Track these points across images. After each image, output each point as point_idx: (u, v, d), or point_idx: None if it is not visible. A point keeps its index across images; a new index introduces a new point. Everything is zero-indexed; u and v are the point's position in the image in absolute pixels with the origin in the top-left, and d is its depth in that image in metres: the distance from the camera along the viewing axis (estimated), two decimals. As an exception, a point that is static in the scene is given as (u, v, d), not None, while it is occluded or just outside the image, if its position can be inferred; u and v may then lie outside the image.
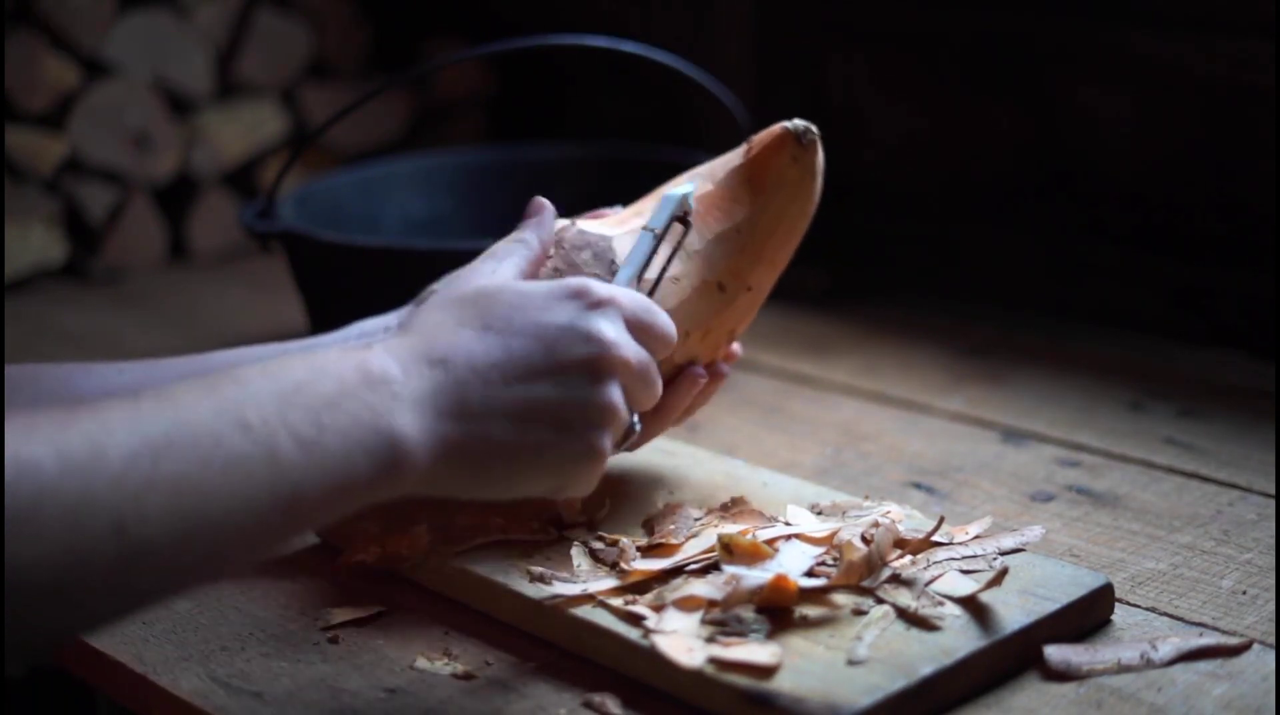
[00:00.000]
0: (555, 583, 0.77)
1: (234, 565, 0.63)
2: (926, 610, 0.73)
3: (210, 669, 0.76)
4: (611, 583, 0.77)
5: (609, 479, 0.91)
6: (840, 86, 1.43)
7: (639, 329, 0.75)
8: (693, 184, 0.86)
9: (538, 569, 0.79)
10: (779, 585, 0.73)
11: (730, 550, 0.77)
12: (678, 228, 0.84)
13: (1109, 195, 1.28)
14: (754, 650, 0.70)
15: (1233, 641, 0.75)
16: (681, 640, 0.71)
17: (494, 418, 0.69)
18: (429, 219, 1.31)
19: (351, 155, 1.66)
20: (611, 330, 0.72)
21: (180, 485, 0.59)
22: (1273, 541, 0.87)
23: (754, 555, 0.76)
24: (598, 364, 0.71)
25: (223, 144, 1.57)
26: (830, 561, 0.77)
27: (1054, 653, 0.73)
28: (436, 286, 0.81)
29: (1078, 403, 1.10)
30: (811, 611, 0.74)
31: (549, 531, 0.83)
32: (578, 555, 0.80)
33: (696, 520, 0.83)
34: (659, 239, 0.82)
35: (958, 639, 0.72)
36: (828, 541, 0.79)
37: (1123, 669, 0.73)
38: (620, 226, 0.85)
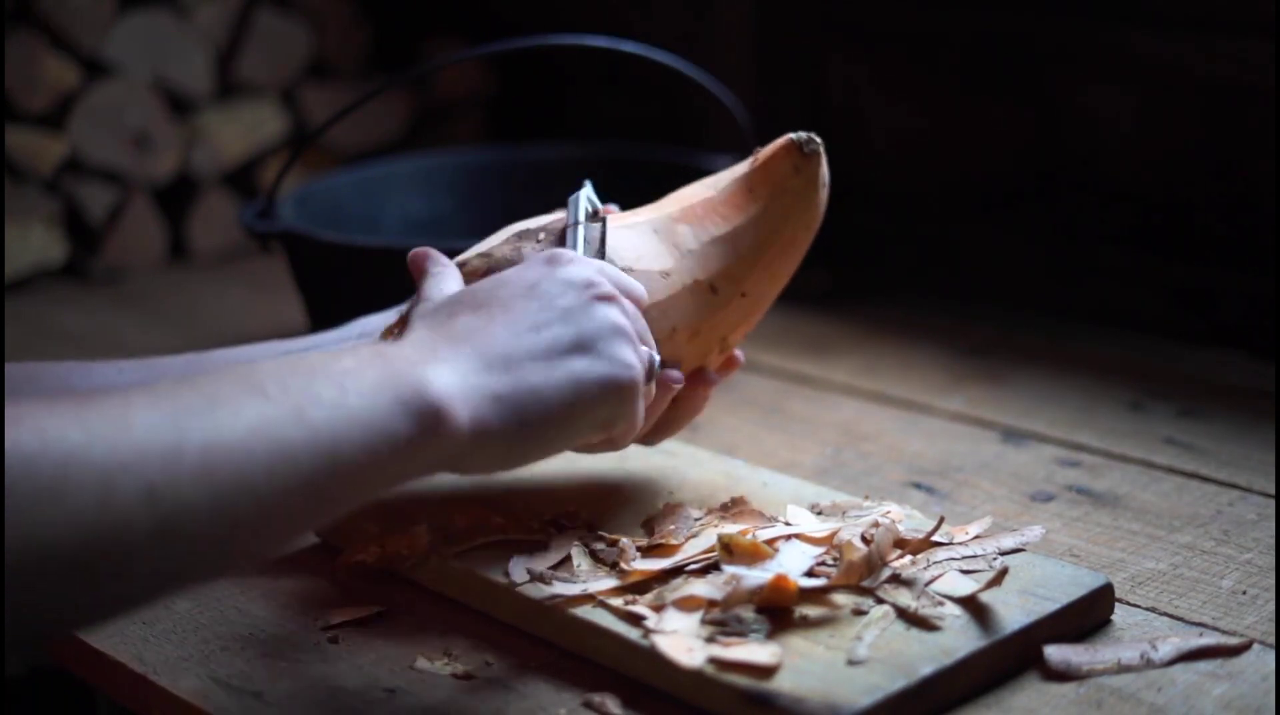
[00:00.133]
0: (555, 583, 0.77)
1: (284, 534, 0.62)
2: (926, 610, 0.73)
3: (210, 669, 0.76)
4: (611, 583, 0.77)
5: (609, 479, 0.91)
6: (840, 86, 1.43)
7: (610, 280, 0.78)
8: (588, 182, 0.86)
9: (538, 569, 0.79)
10: (779, 585, 0.73)
11: (730, 550, 0.77)
12: (596, 225, 0.84)
13: (1109, 195, 1.28)
14: (754, 650, 0.70)
15: (1233, 641, 0.75)
16: (681, 640, 0.71)
17: (522, 364, 0.70)
18: (429, 219, 1.31)
19: (351, 155, 1.66)
20: (590, 272, 0.75)
21: (209, 451, 0.57)
22: (1273, 541, 0.87)
23: (754, 555, 0.76)
24: (592, 296, 0.74)
25: (223, 144, 1.57)
26: (830, 561, 0.77)
27: (1054, 653, 0.73)
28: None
29: (1078, 403, 1.10)
30: (811, 611, 0.74)
31: (549, 531, 0.83)
32: (578, 555, 0.80)
33: (696, 520, 0.83)
34: (575, 235, 0.82)
35: (958, 639, 0.72)
36: (828, 541, 0.79)
37: (1123, 669, 0.73)
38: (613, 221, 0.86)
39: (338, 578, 0.84)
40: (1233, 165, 1.21)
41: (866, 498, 0.87)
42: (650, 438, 0.86)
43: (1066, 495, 0.95)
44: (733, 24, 1.49)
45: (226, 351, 0.86)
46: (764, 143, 0.87)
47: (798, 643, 0.71)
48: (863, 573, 0.76)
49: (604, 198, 0.91)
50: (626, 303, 0.76)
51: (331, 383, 0.62)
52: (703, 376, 0.87)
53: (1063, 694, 0.72)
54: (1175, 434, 1.04)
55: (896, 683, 0.68)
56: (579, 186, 0.86)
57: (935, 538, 0.80)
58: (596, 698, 0.72)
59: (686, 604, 0.74)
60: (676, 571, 0.77)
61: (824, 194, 0.87)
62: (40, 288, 1.48)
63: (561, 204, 0.85)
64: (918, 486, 0.96)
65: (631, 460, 0.93)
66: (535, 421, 0.69)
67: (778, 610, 0.73)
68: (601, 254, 0.82)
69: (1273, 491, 0.94)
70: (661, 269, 0.83)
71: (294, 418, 0.60)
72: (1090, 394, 1.12)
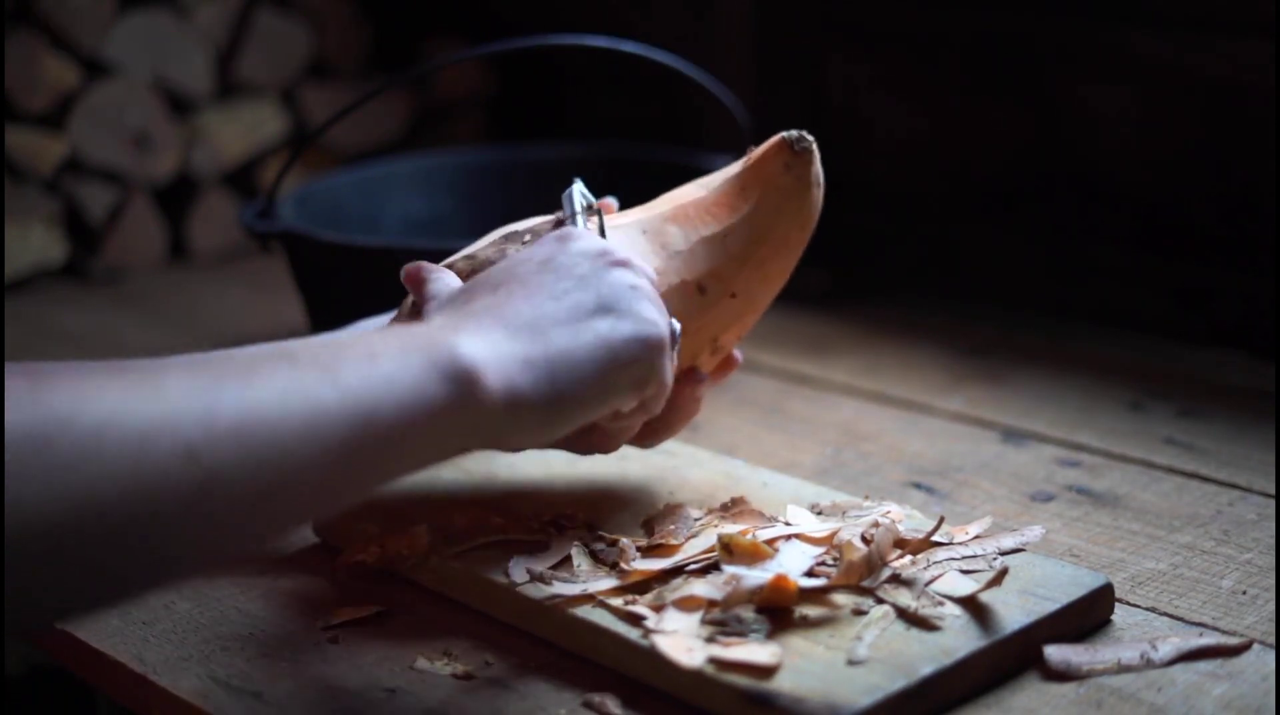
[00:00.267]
0: (555, 583, 0.77)
1: (323, 501, 0.61)
2: (926, 610, 0.73)
3: (210, 669, 0.76)
4: (611, 583, 0.77)
5: (609, 480, 0.91)
6: (840, 86, 1.43)
7: None
8: (579, 179, 0.86)
9: (538, 569, 0.79)
10: (779, 585, 0.73)
11: (730, 550, 0.77)
12: (594, 218, 0.84)
13: (1109, 195, 1.28)
14: (754, 650, 0.70)
15: (1233, 641, 0.75)
16: (681, 640, 0.71)
17: (548, 330, 0.69)
18: (429, 219, 1.31)
19: (351, 155, 1.66)
20: (601, 243, 0.76)
21: (243, 413, 0.57)
22: (1273, 541, 0.87)
23: (754, 555, 0.76)
24: (607, 262, 0.74)
25: (223, 144, 1.57)
26: (830, 561, 0.77)
27: (1054, 653, 0.73)
28: None
29: (1078, 403, 1.10)
30: (811, 611, 0.74)
31: (549, 532, 0.83)
32: (578, 555, 0.80)
33: (696, 520, 0.83)
34: (575, 226, 0.82)
35: (958, 639, 0.72)
36: (828, 541, 0.79)
37: (1123, 669, 0.73)
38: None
39: (338, 578, 0.84)
40: (1233, 165, 1.21)
41: (866, 498, 0.87)
42: (647, 440, 0.86)
43: (1066, 495, 0.95)
44: (733, 24, 1.49)
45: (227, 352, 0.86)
46: (762, 143, 0.87)
47: (798, 643, 0.71)
48: (863, 573, 0.76)
49: (604, 197, 0.91)
50: (641, 266, 0.76)
51: (362, 351, 0.63)
52: (694, 376, 0.86)
53: (1063, 694, 0.72)
54: (1175, 434, 1.04)
55: (896, 683, 0.68)
56: (570, 184, 0.86)
57: (935, 538, 0.80)
58: (596, 698, 0.72)
59: (686, 604, 0.74)
60: (676, 571, 0.77)
61: (818, 193, 0.86)
62: (40, 288, 1.48)
63: (559, 205, 0.85)
64: (918, 486, 0.96)
65: (631, 461, 0.93)
66: (568, 384, 0.69)
67: (778, 610, 0.73)
68: None
69: (1273, 491, 0.94)
70: None
71: (327, 381, 0.60)
72: (1090, 394, 1.12)
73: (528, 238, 0.83)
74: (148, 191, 1.54)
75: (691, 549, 0.79)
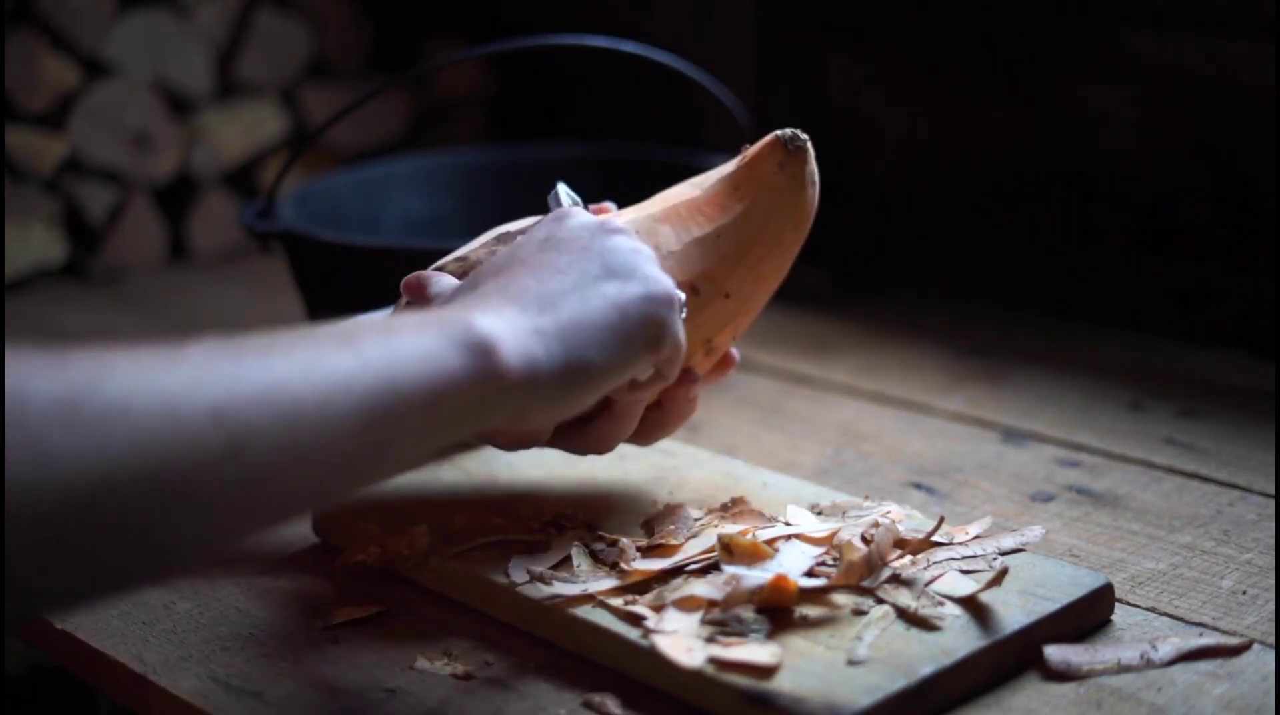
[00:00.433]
0: (555, 583, 0.77)
1: (350, 474, 0.61)
2: (926, 610, 0.73)
3: (210, 669, 0.76)
4: (611, 583, 0.77)
5: (609, 479, 0.91)
6: (840, 86, 1.43)
7: None
8: (561, 182, 0.86)
9: (538, 569, 0.79)
10: (779, 585, 0.73)
11: (730, 550, 0.77)
12: None
13: (1109, 195, 1.28)
14: (754, 650, 0.70)
15: (1233, 641, 0.75)
16: (681, 640, 0.71)
17: (557, 301, 0.70)
18: (429, 219, 1.31)
19: (351, 155, 1.66)
20: (591, 217, 0.77)
21: (267, 380, 0.57)
22: (1273, 541, 0.87)
23: (754, 555, 0.76)
24: (604, 230, 0.75)
25: (223, 144, 1.57)
26: (830, 561, 0.77)
27: (1054, 653, 0.73)
28: None
29: (1078, 403, 1.10)
30: (811, 611, 0.74)
31: (549, 532, 0.83)
32: (578, 555, 0.80)
33: (696, 520, 0.83)
34: None
35: (958, 639, 0.72)
36: (828, 541, 0.79)
37: (1123, 669, 0.73)
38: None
39: (338, 578, 0.84)
40: (1233, 165, 1.21)
41: (866, 498, 0.87)
42: (642, 439, 0.86)
43: (1066, 495, 0.95)
44: (733, 24, 1.49)
45: None
46: (757, 142, 0.87)
47: (798, 643, 0.71)
48: (863, 573, 0.76)
49: (605, 198, 0.91)
50: (640, 237, 0.77)
51: (379, 329, 0.63)
52: (688, 377, 0.85)
53: (1063, 694, 0.72)
54: (1175, 434, 1.04)
55: (896, 683, 0.68)
56: (551, 187, 0.86)
57: (935, 538, 0.80)
58: (596, 698, 0.72)
59: (686, 604, 0.74)
60: (676, 571, 0.77)
61: (813, 192, 0.85)
62: (40, 288, 1.48)
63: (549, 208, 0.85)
64: (918, 486, 0.96)
65: (631, 461, 0.93)
66: (583, 350, 0.69)
67: (778, 610, 0.73)
68: None
69: (1273, 491, 0.94)
70: None
71: (347, 353, 0.60)
72: (1090, 394, 1.12)
73: (520, 239, 0.83)
74: (148, 191, 1.54)
75: (691, 549, 0.79)
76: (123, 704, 0.79)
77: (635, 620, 0.74)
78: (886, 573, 0.76)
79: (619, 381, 0.73)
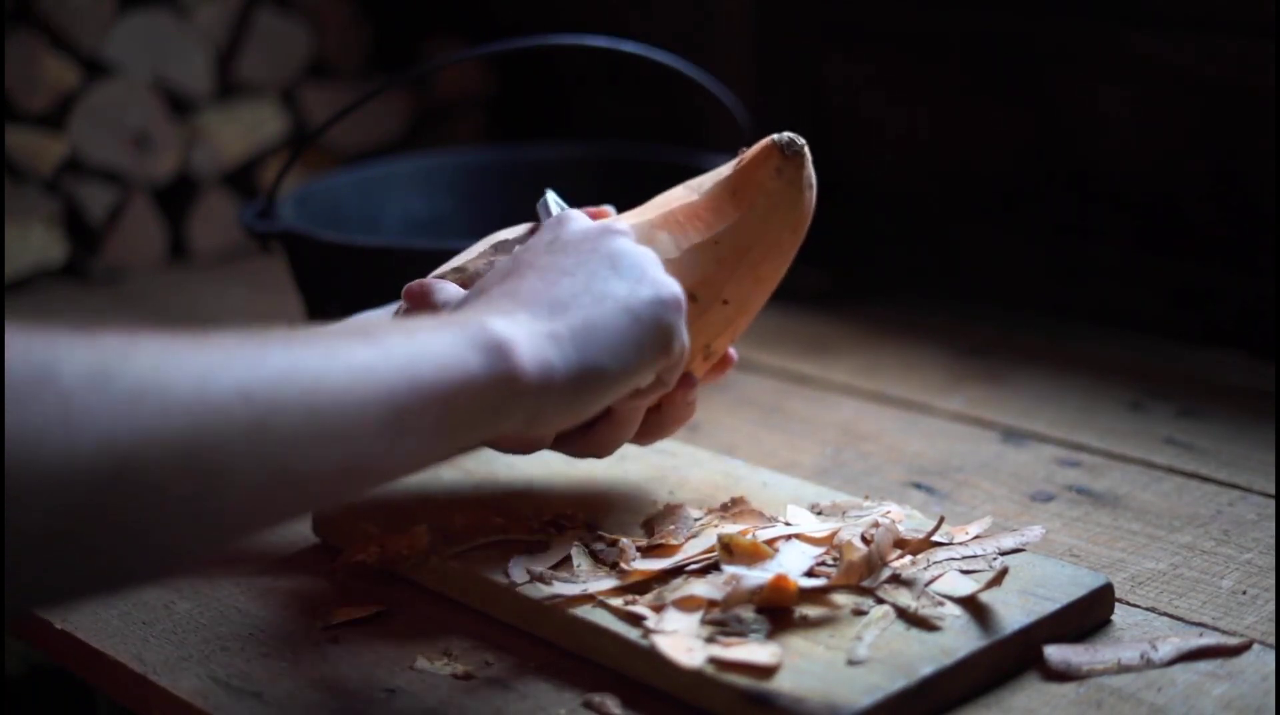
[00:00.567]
0: (555, 583, 0.77)
1: (373, 467, 0.61)
2: (926, 610, 0.73)
3: (210, 669, 0.76)
4: (611, 583, 0.77)
5: (609, 479, 0.91)
6: (840, 86, 1.43)
7: None
8: (550, 189, 0.86)
9: (538, 569, 0.79)
10: (779, 585, 0.73)
11: (730, 550, 0.77)
12: None
13: (1109, 195, 1.28)
14: (754, 650, 0.70)
15: (1233, 641, 0.75)
16: (681, 640, 0.71)
17: (568, 304, 0.70)
18: (429, 219, 1.31)
19: (351, 155, 1.66)
20: (592, 221, 0.78)
21: (290, 366, 0.58)
22: (1273, 541, 0.87)
23: (754, 555, 0.76)
24: (609, 231, 0.76)
25: (223, 144, 1.57)
26: (830, 561, 0.77)
27: (1054, 653, 0.73)
28: None
29: (1078, 403, 1.10)
30: (811, 611, 0.74)
31: (549, 531, 0.83)
32: (578, 555, 0.80)
33: (696, 520, 0.83)
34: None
35: (958, 639, 0.72)
36: (828, 541, 0.79)
37: (1123, 669, 0.73)
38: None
39: (338, 578, 0.84)
40: (1232, 165, 1.21)
41: (866, 498, 0.87)
42: (641, 441, 0.85)
43: (1066, 495, 0.95)
44: (733, 24, 1.49)
45: None
46: (753, 144, 0.86)
47: (798, 643, 0.71)
48: (863, 573, 0.76)
49: (604, 198, 0.91)
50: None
51: (397, 326, 0.64)
52: (687, 380, 0.84)
53: (1063, 694, 0.72)
54: (1175, 434, 1.04)
55: (896, 683, 0.68)
56: (540, 195, 0.86)
57: (935, 538, 0.80)
58: (596, 698, 0.72)
59: (686, 604, 0.74)
60: (676, 571, 0.77)
61: (810, 195, 0.85)
62: (40, 288, 1.48)
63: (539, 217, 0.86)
64: (918, 486, 0.96)
65: (631, 461, 0.93)
66: (596, 353, 0.70)
67: (778, 610, 0.73)
68: None
69: (1273, 491, 0.94)
70: None
71: (368, 345, 0.61)
72: (1090, 394, 1.12)
73: (517, 248, 0.82)
74: (148, 191, 1.54)
75: (691, 549, 0.79)
76: (123, 704, 0.79)
77: (635, 620, 0.74)
78: (886, 573, 0.76)
79: (630, 387, 0.73)
